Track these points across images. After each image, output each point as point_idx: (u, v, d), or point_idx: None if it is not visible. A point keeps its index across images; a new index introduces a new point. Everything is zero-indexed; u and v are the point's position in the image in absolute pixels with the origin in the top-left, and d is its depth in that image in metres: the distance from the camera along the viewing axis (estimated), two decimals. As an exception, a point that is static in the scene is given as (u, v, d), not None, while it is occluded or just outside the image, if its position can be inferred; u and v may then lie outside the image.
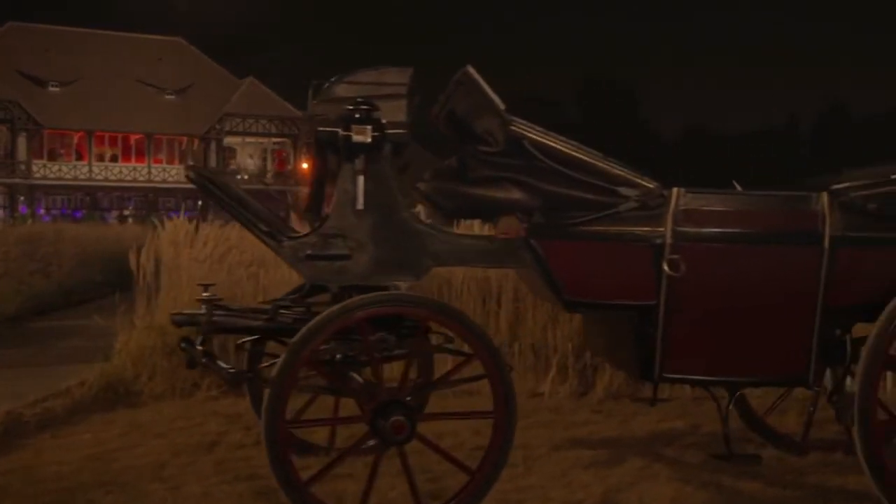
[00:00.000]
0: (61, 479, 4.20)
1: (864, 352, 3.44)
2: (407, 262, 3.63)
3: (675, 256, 3.48)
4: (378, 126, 3.46)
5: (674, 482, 4.22)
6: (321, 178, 3.70)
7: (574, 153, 3.52)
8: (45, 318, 11.65)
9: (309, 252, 3.58)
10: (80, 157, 47.00)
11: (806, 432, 4.67)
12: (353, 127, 3.43)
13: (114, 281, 11.60)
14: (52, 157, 46.54)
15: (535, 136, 3.49)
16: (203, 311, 3.76)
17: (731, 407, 3.93)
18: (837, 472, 4.36)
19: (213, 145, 48.70)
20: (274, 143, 50.65)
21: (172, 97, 48.44)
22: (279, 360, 3.36)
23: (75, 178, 46.89)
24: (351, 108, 3.45)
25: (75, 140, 46.87)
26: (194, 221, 7.96)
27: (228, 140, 49.37)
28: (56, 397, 5.99)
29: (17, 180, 45.26)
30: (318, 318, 3.38)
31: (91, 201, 46.31)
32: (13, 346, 8.88)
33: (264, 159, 50.49)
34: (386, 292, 3.50)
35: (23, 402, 5.74)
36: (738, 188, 4.20)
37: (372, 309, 3.40)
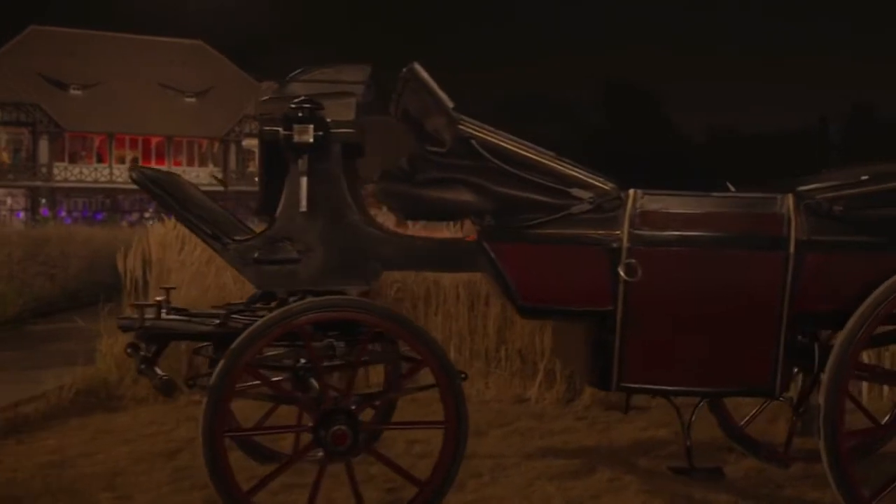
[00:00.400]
0: (11, 487, 4.12)
1: (830, 361, 3.27)
2: (357, 266, 3.50)
3: (632, 261, 3.32)
4: (322, 125, 3.34)
5: (641, 494, 4.07)
6: (269, 179, 3.57)
7: (524, 153, 3.37)
8: (46, 320, 11.61)
9: (255, 256, 3.46)
10: (100, 160, 47.33)
11: (788, 442, 4.49)
12: (295, 126, 3.31)
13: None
14: (74, 159, 46.89)
15: (483, 136, 3.35)
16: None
17: (693, 419, 3.77)
18: (816, 486, 4.17)
19: (232, 147, 48.89)
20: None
21: (193, 100, 48.68)
22: (217, 367, 3.25)
23: (96, 181, 47.20)
24: (294, 106, 3.33)
25: (96, 143, 47.21)
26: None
27: (248, 142, 49.48)
28: (32, 401, 5.93)
29: (38, 183, 45.63)
30: (257, 323, 3.26)
31: (111, 203, 46.59)
32: (5, 349, 8.84)
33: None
34: (329, 297, 3.37)
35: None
36: (732, 189, 4.04)
37: (314, 314, 3.27)
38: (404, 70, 3.45)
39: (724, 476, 3.82)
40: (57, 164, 46.16)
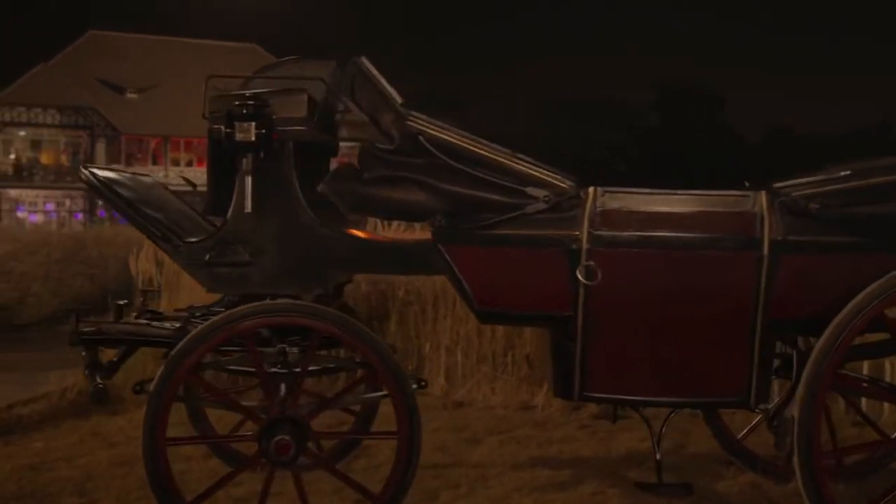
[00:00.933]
0: (-18, 490, 4.07)
1: (805, 372, 3.05)
2: (311, 269, 3.38)
3: (591, 263, 3.14)
4: (266, 123, 3.21)
5: (620, 510, 3.88)
6: (218, 180, 3.46)
7: (476, 149, 3.20)
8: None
9: (206, 258, 3.35)
10: (156, 162, 47.94)
11: (788, 457, 4.25)
12: (236, 124, 3.19)
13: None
14: (130, 162, 47.53)
15: (432, 132, 3.19)
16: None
17: (664, 430, 3.57)
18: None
19: (285, 149, 49.24)
20: (349, 148, 50.92)
21: (247, 102, 49.12)
22: (158, 373, 3.15)
23: (152, 183, 47.82)
24: (237, 104, 3.22)
25: (151, 145, 47.88)
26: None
27: (300, 144, 49.79)
28: (31, 402, 5.91)
29: (96, 185, 46.34)
30: (199, 328, 3.15)
31: (167, 205, 47.16)
32: (30, 349, 8.91)
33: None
34: (274, 301, 3.25)
35: (-5, 407, 5.67)
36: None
37: (258, 319, 3.15)
38: (349, 65, 3.31)
39: (692, 492, 3.60)
40: (114, 166, 46.83)
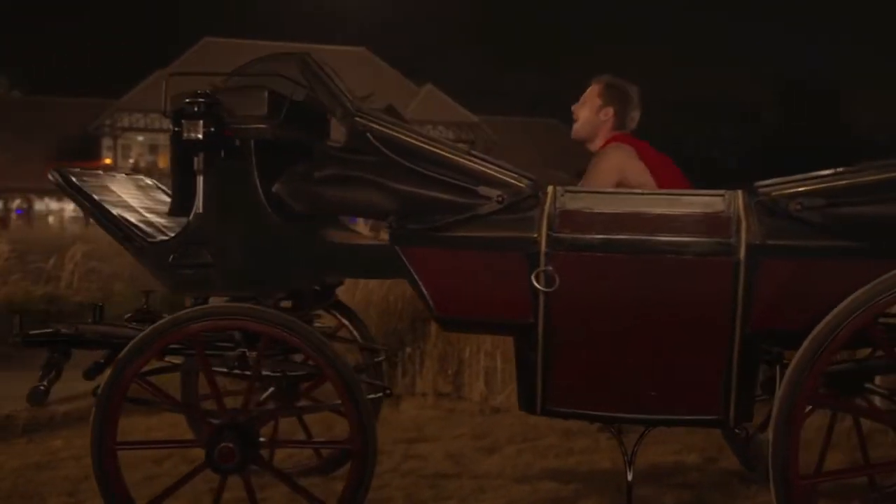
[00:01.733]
0: (-21, 488, 4.13)
1: (780, 389, 2.76)
2: (273, 272, 3.28)
3: (549, 268, 2.93)
4: (215, 121, 3.12)
5: (609, 531, 3.64)
6: (182, 179, 3.39)
7: (426, 146, 3.03)
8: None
9: (171, 259, 3.29)
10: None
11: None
12: (184, 122, 3.12)
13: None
14: (242, 165, 48.92)
15: (380, 129, 3.03)
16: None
17: (637, 449, 3.31)
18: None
19: (391, 152, 49.76)
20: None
21: (353, 106, 49.86)
22: (107, 377, 3.10)
23: (262, 185, 49.02)
24: (187, 101, 3.14)
25: (262, 148, 49.16)
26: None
27: (406, 146, 50.25)
28: (68, 401, 5.99)
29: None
30: (146, 331, 3.09)
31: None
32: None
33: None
34: (221, 304, 3.16)
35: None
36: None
37: (206, 321, 3.07)
38: (297, 61, 3.19)
39: None
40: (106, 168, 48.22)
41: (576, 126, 3.73)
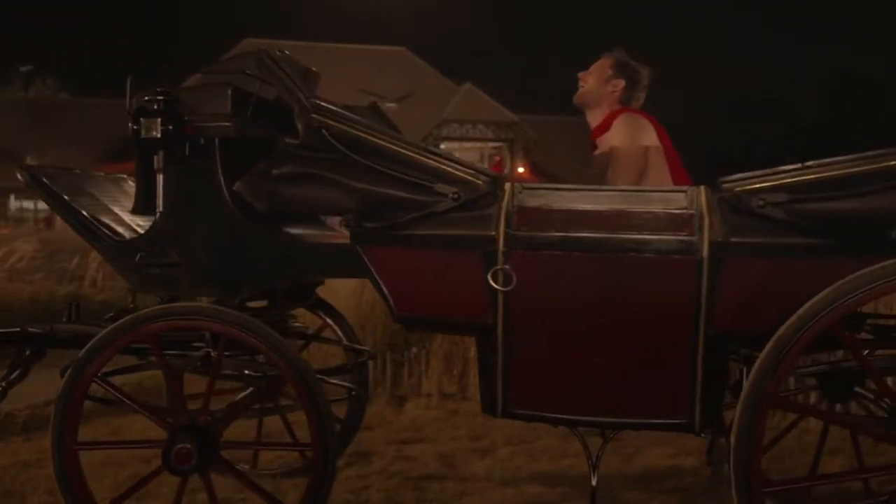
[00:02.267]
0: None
1: (743, 394, 2.66)
2: (237, 272, 3.24)
3: (507, 267, 2.85)
4: (174, 119, 3.09)
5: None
6: (146, 178, 3.36)
7: (383, 143, 2.96)
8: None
9: (138, 258, 3.27)
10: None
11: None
12: (142, 121, 3.09)
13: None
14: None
15: (336, 125, 2.98)
16: None
17: (601, 453, 3.22)
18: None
19: (430, 151, 49.74)
20: (491, 148, 50.92)
21: (393, 105, 49.86)
22: (64, 378, 3.08)
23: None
24: (146, 99, 3.11)
25: (302, 148, 49.44)
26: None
27: (446, 145, 50.18)
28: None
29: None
30: (104, 330, 3.07)
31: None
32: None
33: (482, 164, 50.90)
34: (178, 304, 3.13)
35: (36, 401, 5.81)
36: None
37: (162, 322, 3.04)
38: (255, 57, 3.14)
39: None
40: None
41: (581, 91, 3.76)
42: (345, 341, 4.31)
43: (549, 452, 4.89)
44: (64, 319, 3.59)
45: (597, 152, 3.66)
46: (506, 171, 49.95)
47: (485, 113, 49.10)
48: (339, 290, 6.18)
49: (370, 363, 6.55)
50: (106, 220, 3.45)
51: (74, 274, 10.29)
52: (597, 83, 3.70)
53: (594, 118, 3.70)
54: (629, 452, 4.94)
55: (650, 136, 3.48)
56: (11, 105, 46.51)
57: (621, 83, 3.68)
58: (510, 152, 49.50)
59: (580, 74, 3.75)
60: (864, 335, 3.60)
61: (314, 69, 3.84)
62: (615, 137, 3.54)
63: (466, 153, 51.22)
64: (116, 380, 3.30)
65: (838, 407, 3.75)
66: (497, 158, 51.11)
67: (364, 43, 54.39)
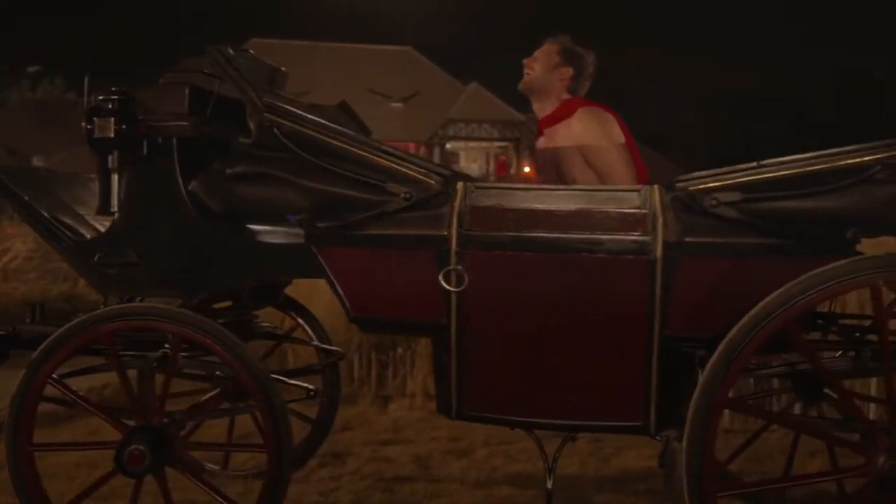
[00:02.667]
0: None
1: (695, 394, 2.62)
2: (194, 272, 3.22)
3: (458, 267, 2.82)
4: (128, 119, 3.07)
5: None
6: (105, 177, 3.34)
7: (335, 142, 2.93)
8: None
9: (97, 258, 3.26)
10: (313, 165, 49.49)
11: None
12: (95, 120, 3.07)
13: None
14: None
15: (288, 124, 2.95)
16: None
17: (557, 456, 3.19)
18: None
19: (436, 150, 49.71)
20: (497, 148, 50.88)
21: (399, 105, 49.90)
22: (21, 379, 3.07)
23: (310, 185, 49.31)
24: (100, 98, 3.09)
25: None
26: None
27: (452, 145, 50.18)
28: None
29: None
30: (57, 332, 3.05)
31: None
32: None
33: (487, 163, 50.81)
34: (130, 304, 3.11)
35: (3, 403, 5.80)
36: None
37: (116, 322, 3.02)
38: (209, 55, 3.12)
39: None
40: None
41: (528, 78, 3.60)
42: (315, 342, 4.28)
43: (528, 454, 4.84)
44: (28, 320, 3.58)
45: (545, 142, 3.55)
46: (511, 170, 49.93)
47: (491, 112, 49.05)
48: (326, 289, 6.17)
49: (356, 363, 6.63)
50: (68, 220, 3.44)
51: (68, 274, 10.28)
52: (544, 71, 3.56)
53: (542, 107, 3.58)
54: (608, 453, 4.91)
55: (618, 132, 3.41)
56: (19, 105, 46.59)
57: (569, 71, 3.56)
58: (516, 152, 49.46)
59: (525, 61, 3.62)
60: (833, 336, 3.58)
61: (283, 69, 3.82)
62: (585, 136, 3.42)
63: (472, 153, 51.25)
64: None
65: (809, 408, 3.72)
66: (502, 158, 51.14)
67: (370, 42, 54.39)
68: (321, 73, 48.78)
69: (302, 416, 4.32)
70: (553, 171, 3.46)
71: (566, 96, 3.56)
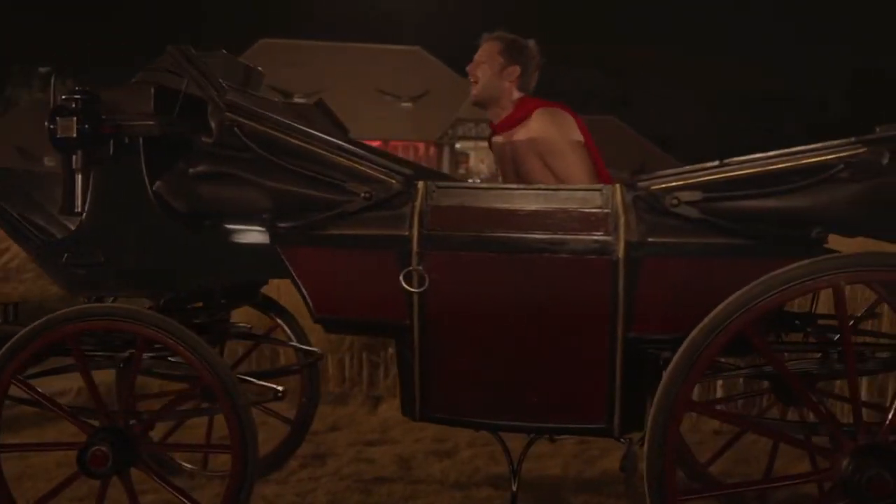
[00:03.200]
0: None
1: (655, 400, 2.58)
2: (160, 272, 3.21)
3: (419, 267, 2.79)
4: (91, 118, 3.05)
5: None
6: (68, 176, 3.32)
7: (296, 141, 2.91)
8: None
9: (64, 259, 3.24)
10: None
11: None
12: (58, 120, 3.05)
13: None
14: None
15: (249, 124, 2.92)
16: None
17: (522, 458, 3.16)
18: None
19: (445, 150, 49.68)
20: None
21: (408, 104, 49.90)
22: None
23: (319, 185, 49.40)
24: (63, 98, 3.07)
25: (317, 148, 49.47)
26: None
27: (461, 145, 50.12)
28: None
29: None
30: (21, 333, 3.03)
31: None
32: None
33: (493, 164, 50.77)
34: (93, 304, 3.10)
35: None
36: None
37: (80, 323, 3.00)
38: (167, 54, 3.10)
39: None
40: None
41: (476, 89, 3.45)
42: (294, 342, 4.26)
43: (512, 456, 4.81)
44: None
45: (502, 140, 3.46)
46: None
47: (500, 112, 49.01)
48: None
49: (346, 363, 6.60)
50: (38, 220, 3.42)
51: (68, 274, 10.30)
52: (491, 76, 3.41)
53: (496, 113, 3.45)
54: (593, 455, 4.87)
55: (575, 131, 3.33)
56: (30, 106, 46.76)
57: (516, 70, 3.40)
58: (525, 151, 49.34)
59: (468, 68, 3.47)
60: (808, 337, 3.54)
61: (259, 68, 3.80)
62: (543, 137, 3.31)
63: (482, 152, 51.16)
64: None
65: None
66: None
67: (379, 42, 54.40)
68: (330, 73, 48.86)
69: (281, 417, 4.31)
70: (510, 164, 3.40)
71: (517, 95, 3.43)
